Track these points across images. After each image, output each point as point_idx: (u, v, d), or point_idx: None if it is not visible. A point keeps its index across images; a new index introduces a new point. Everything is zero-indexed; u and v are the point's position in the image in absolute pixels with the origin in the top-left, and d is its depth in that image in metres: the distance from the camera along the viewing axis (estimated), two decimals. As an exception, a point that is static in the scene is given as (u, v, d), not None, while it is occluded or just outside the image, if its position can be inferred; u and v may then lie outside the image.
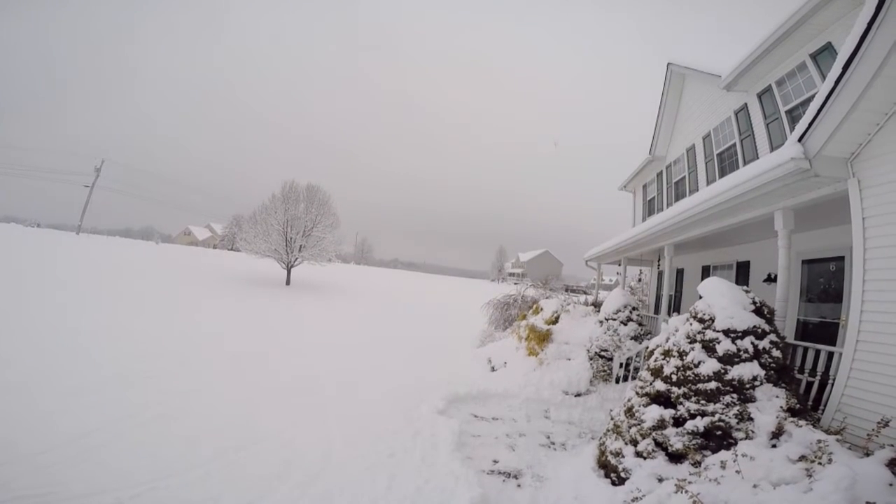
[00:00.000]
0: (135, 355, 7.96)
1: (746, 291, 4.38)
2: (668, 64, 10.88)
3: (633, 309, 8.73)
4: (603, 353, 8.17)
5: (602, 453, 4.46)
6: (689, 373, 4.06)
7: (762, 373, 3.82)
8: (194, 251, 43.25)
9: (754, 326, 4.05)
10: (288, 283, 25.82)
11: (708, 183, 9.17)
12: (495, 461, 5.01)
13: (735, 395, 3.77)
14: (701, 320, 4.31)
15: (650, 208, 13.13)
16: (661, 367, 4.39)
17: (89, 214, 40.35)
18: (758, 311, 4.20)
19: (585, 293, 26.74)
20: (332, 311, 18.84)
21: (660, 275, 12.43)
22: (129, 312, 12.22)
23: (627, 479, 3.84)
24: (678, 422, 3.96)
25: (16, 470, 3.75)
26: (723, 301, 4.25)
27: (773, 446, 3.22)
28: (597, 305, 11.29)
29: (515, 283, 20.48)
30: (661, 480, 3.54)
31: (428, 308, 24.93)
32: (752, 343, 3.97)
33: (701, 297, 4.54)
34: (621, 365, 7.69)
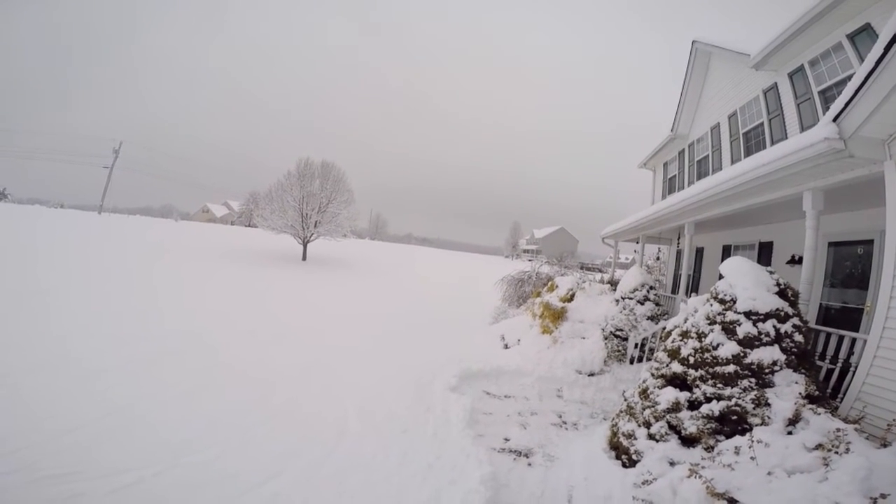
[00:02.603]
0: (155, 334, 8.17)
1: (770, 272, 4.23)
2: (693, 41, 10.56)
3: (651, 288, 8.58)
4: (618, 333, 8.09)
5: (614, 434, 4.45)
6: (706, 355, 3.99)
7: (783, 357, 3.71)
8: (214, 228, 43.96)
9: (777, 309, 3.92)
10: (304, 258, 26.17)
11: (732, 162, 8.98)
12: (506, 439, 5.05)
13: (753, 380, 3.68)
14: (722, 301, 4.20)
15: (670, 186, 12.88)
16: (679, 348, 4.31)
17: (110, 194, 41.11)
18: (781, 294, 4.06)
19: (601, 271, 26.43)
20: (345, 287, 19.06)
21: (678, 254, 12.17)
22: (150, 290, 12.56)
23: (639, 461, 3.83)
24: (693, 405, 3.91)
25: (41, 451, 3.86)
26: (745, 281, 4.11)
27: (790, 433, 3.15)
28: (613, 284, 11.13)
29: (530, 260, 20.34)
30: (672, 464, 3.52)
31: (441, 283, 25.02)
32: (774, 326, 3.85)
33: (722, 277, 4.41)
34: (636, 345, 7.62)
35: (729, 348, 3.87)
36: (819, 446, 2.87)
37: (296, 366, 7.21)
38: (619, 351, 7.85)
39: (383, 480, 3.92)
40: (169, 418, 4.85)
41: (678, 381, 4.19)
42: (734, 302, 4.08)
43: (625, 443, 4.15)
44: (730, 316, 4.03)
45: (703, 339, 4.12)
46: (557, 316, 8.95)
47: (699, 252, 10.91)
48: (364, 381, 6.71)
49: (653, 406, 4.15)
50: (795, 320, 3.91)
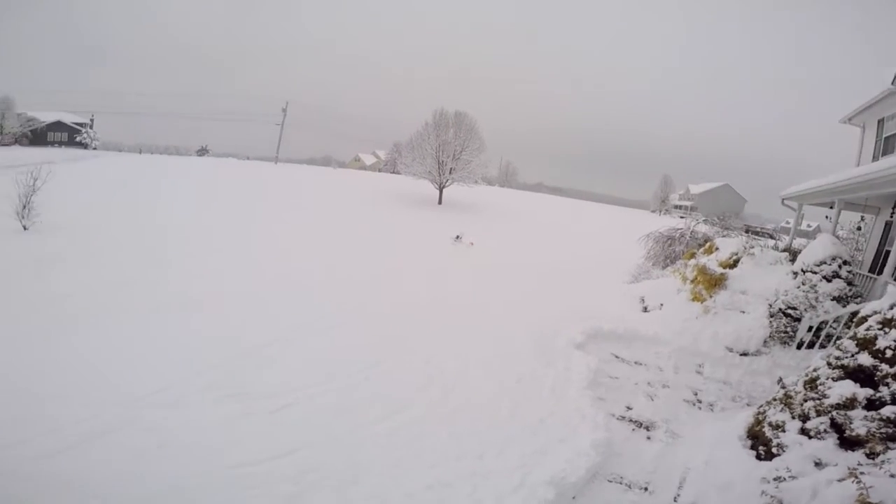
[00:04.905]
0: (315, 270, 9.70)
1: None
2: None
3: (844, 263, 6.95)
4: (790, 311, 6.83)
5: (758, 423, 3.99)
6: (911, 350, 3.23)
7: None
8: (365, 175, 48.68)
9: None
10: (440, 202, 27.81)
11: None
12: (629, 407, 4.89)
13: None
14: (949, 289, 3.28)
15: (886, 147, 10.05)
16: (875, 337, 3.66)
17: (281, 148, 48.46)
18: None
19: (772, 237, 21.90)
20: (477, 233, 19.47)
21: (887, 226, 9.54)
22: (312, 229, 14.76)
23: (778, 455, 3.43)
24: (872, 404, 3.28)
25: (218, 373, 4.97)
26: None
27: None
28: (791, 253, 9.31)
29: (682, 217, 18.08)
30: (818, 465, 3.11)
31: (574, 236, 23.88)
32: None
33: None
34: (811, 328, 6.39)
35: (943, 346, 3.05)
36: None
37: (428, 307, 7.88)
38: (785, 332, 6.69)
39: (493, 428, 4.11)
40: (320, 348, 5.79)
41: (862, 376, 3.57)
42: (967, 291, 3.14)
43: (768, 433, 3.71)
44: (954, 308, 3.13)
45: (910, 332, 3.31)
46: (714, 283, 7.91)
47: (918, 227, 8.41)
48: (488, 328, 7.01)
49: (819, 399, 3.62)
50: None
